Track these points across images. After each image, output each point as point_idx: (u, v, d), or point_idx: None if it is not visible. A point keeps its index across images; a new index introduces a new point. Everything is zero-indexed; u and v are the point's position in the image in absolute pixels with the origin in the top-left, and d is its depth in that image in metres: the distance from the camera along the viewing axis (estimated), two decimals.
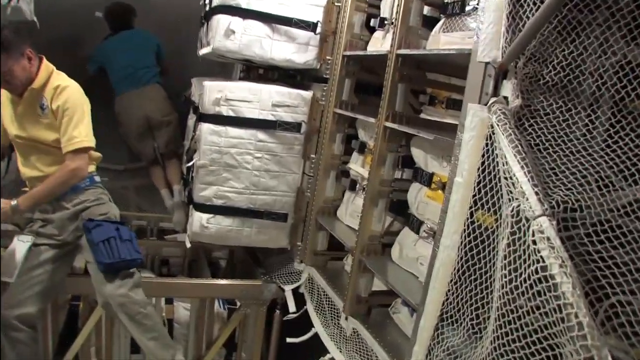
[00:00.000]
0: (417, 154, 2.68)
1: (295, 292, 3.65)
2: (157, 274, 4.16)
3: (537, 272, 1.36)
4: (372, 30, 3.32)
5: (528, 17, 1.70)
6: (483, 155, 1.81)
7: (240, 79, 4.77)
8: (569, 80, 1.73)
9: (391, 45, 2.70)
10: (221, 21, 3.30)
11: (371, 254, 2.90)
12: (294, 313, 3.57)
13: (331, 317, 3.27)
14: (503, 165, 1.63)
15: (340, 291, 3.21)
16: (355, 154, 3.31)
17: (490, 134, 1.78)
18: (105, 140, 4.41)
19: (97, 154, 3.17)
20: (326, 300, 3.36)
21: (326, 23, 3.42)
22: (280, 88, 3.43)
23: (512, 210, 1.52)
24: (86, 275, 3.04)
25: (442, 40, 2.52)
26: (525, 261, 1.45)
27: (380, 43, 3.15)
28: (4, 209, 2.79)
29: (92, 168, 3.12)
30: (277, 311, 3.80)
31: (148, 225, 4.68)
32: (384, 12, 3.15)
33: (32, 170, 3.02)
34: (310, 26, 3.40)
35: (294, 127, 3.43)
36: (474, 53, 1.92)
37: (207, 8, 3.52)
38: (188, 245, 3.64)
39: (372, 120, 2.85)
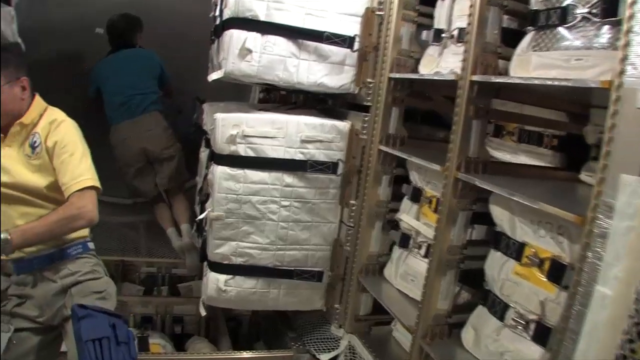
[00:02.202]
0: (500, 215, 2.01)
1: None
2: (169, 334, 3.52)
3: None
4: (423, 43, 2.66)
5: None
6: None
7: (260, 100, 4.13)
8: None
9: (463, 69, 2.03)
10: (234, 38, 2.63)
11: (436, 337, 2.23)
12: None
13: None
14: None
15: None
16: (407, 201, 2.64)
17: None
18: (109, 172, 3.85)
19: None
20: None
21: (365, 37, 2.74)
22: (311, 119, 2.77)
23: None
24: None
25: (535, 62, 1.85)
26: None
27: (435, 62, 2.49)
28: None
29: (84, 232, 2.50)
30: None
31: (159, 272, 4.06)
32: (439, 22, 2.50)
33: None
34: (345, 41, 2.72)
35: (329, 167, 2.76)
36: (631, 93, 1.24)
37: (218, 22, 2.86)
38: (203, 313, 3.00)
39: (435, 167, 2.17)
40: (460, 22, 2.32)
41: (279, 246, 2.84)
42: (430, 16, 2.61)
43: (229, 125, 2.66)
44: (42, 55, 4.06)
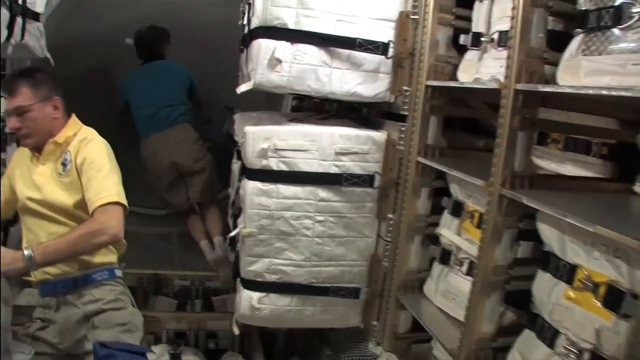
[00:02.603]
0: (548, 234, 1.85)
1: None
2: (203, 349, 3.45)
3: None
4: (460, 48, 2.52)
5: None
6: None
7: (292, 108, 4.04)
8: None
9: (506, 77, 1.89)
10: (263, 48, 2.52)
11: None
12: None
13: None
14: None
15: None
16: (447, 215, 2.49)
17: None
18: (141, 182, 3.82)
19: (123, 241, 2.47)
20: None
21: (400, 43, 2.61)
22: (345, 130, 2.65)
23: None
24: None
25: (585, 68, 1.70)
26: None
27: (474, 67, 2.35)
28: (12, 258, 2.11)
29: (112, 257, 2.45)
30: None
31: (192, 285, 4.02)
32: (478, 25, 2.36)
33: None
34: (379, 48, 2.58)
35: (365, 180, 2.64)
36: None
37: (246, 31, 2.76)
38: (236, 331, 2.92)
39: (478, 182, 2.03)
40: (500, 24, 2.18)
41: (314, 262, 2.73)
42: (468, 19, 2.47)
43: (260, 139, 2.57)
44: (73, 69, 4.07)
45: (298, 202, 2.63)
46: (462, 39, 2.42)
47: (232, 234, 2.78)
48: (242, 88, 2.65)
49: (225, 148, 3.70)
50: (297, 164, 2.60)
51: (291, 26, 2.52)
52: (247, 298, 2.77)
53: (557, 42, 1.90)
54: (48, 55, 3.27)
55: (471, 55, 2.41)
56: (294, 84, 2.56)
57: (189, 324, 3.42)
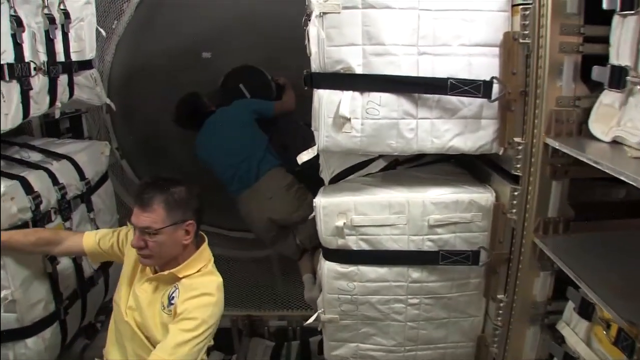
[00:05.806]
0: None
1: None
2: None
3: None
4: (591, 82, 1.84)
5: None
6: None
7: None
8: None
9: None
10: (324, 102, 2.00)
11: None
12: None
13: None
14: None
15: None
16: (571, 312, 1.88)
17: None
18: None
19: None
20: None
21: (507, 78, 1.95)
22: (440, 194, 2.09)
23: None
24: None
25: None
26: None
27: (614, 117, 1.72)
28: None
29: None
30: None
31: (289, 326, 3.70)
32: (620, 53, 1.68)
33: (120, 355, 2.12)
34: (479, 89, 1.95)
35: (467, 257, 2.10)
36: None
37: (306, 72, 2.14)
38: None
39: (618, 318, 1.44)
40: None
41: (408, 347, 2.31)
42: (603, 41, 1.77)
43: (333, 215, 2.11)
44: (148, 95, 3.85)
45: (385, 284, 2.17)
46: (596, 73, 1.75)
47: (311, 319, 2.36)
48: (304, 157, 2.14)
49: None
50: (381, 242, 2.11)
51: (359, 70, 1.96)
52: None
53: None
54: (108, 100, 2.96)
55: (610, 98, 1.73)
56: (370, 145, 2.02)
57: None
